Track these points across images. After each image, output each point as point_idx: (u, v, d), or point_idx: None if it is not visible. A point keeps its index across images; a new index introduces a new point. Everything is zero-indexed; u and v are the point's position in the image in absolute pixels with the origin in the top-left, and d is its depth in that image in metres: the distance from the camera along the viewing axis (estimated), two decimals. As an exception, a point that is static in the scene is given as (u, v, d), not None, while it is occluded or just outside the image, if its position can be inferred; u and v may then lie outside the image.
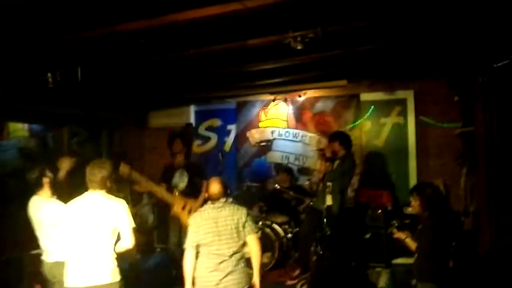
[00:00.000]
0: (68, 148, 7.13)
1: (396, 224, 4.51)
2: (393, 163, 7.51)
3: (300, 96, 7.98)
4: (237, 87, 7.56)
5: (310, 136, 8.01)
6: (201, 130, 8.67)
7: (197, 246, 4.16)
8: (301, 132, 8.07)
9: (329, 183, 6.08)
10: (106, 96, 7.32)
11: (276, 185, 7.48)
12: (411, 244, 4.34)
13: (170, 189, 6.45)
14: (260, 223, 6.96)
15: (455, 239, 4.49)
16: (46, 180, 4.56)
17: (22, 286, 5.60)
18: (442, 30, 4.82)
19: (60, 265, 4.18)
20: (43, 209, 4.48)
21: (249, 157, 8.40)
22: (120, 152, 7.79)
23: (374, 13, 4.33)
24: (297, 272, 6.41)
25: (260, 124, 8.34)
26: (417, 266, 4.29)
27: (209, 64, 5.94)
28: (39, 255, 4.62)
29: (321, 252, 6.20)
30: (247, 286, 4.16)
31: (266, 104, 8.28)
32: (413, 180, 7.37)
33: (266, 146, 8.24)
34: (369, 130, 7.71)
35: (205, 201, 4.53)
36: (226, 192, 4.38)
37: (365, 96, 7.72)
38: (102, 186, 3.96)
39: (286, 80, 7.02)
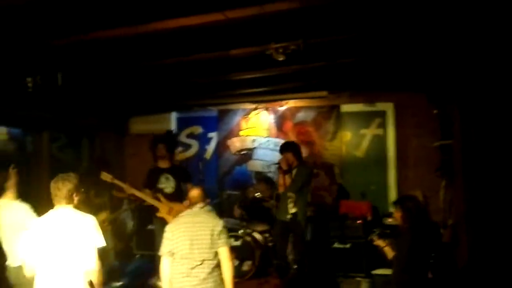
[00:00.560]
0: (48, 153, 7.04)
1: (378, 232, 4.58)
2: (373, 174, 7.59)
3: (281, 106, 8.03)
4: (219, 96, 7.58)
5: (291, 146, 8.03)
6: (182, 137, 8.63)
7: (172, 253, 4.16)
8: (282, 141, 8.08)
9: (290, 194, 6.12)
10: (86, 102, 7.26)
11: (257, 193, 7.49)
12: (389, 253, 4.40)
13: (155, 193, 6.41)
14: (241, 231, 6.97)
15: (434, 250, 4.56)
16: (9, 184, 4.54)
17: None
18: (422, 45, 4.90)
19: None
20: (7, 211, 4.46)
21: (230, 165, 8.40)
22: (101, 157, 7.73)
23: (355, 27, 4.40)
24: (277, 280, 6.41)
25: (241, 133, 8.35)
26: (395, 277, 4.35)
27: (191, 73, 5.95)
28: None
29: (296, 260, 6.31)
30: None
31: (248, 113, 8.30)
32: (392, 191, 7.48)
33: (247, 154, 8.26)
34: (349, 141, 7.79)
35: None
36: (204, 199, 4.41)
37: (345, 108, 7.80)
38: (69, 200, 3.67)
39: (267, 90, 7.07)
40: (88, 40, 4.30)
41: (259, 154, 8.21)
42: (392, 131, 7.56)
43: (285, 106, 8.03)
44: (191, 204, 4.36)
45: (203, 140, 8.58)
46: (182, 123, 8.71)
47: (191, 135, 8.66)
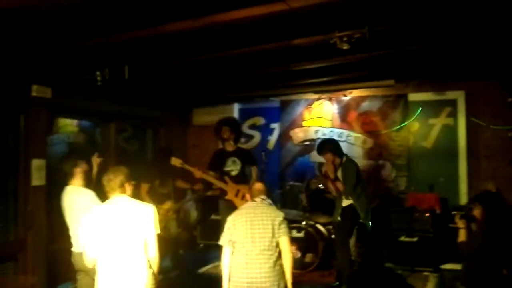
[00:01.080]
0: (114, 144, 7.28)
1: (463, 213, 4.40)
2: (442, 165, 7.32)
3: (345, 96, 7.87)
4: (282, 86, 7.52)
5: (355, 136, 7.88)
6: (245, 128, 8.64)
7: (233, 242, 4.17)
8: (346, 132, 7.95)
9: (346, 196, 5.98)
10: (151, 94, 7.44)
11: (320, 184, 7.38)
12: (462, 237, 4.24)
13: (221, 175, 6.47)
14: (304, 222, 6.91)
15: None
16: (78, 170, 4.65)
17: (71, 276, 5.76)
18: (495, 28, 4.61)
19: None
20: (73, 196, 4.58)
21: (292, 156, 8.34)
22: (165, 148, 7.89)
23: (422, 13, 4.19)
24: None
25: (304, 123, 8.27)
26: (463, 265, 4.26)
27: (254, 63, 5.93)
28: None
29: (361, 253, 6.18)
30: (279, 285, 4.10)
31: (311, 103, 8.20)
32: (463, 184, 7.21)
33: (309, 145, 8.16)
34: (417, 131, 7.55)
35: None
36: (265, 193, 4.40)
37: (413, 96, 7.55)
38: (121, 190, 3.77)
39: (331, 80, 6.94)
40: (153, 34, 4.35)
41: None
42: (463, 121, 7.27)
43: (349, 95, 7.86)
44: (253, 197, 4.37)
45: (266, 131, 8.58)
46: (245, 114, 8.74)
47: (253, 126, 8.69)
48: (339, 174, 6.03)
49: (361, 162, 7.66)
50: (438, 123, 7.41)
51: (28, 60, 5.10)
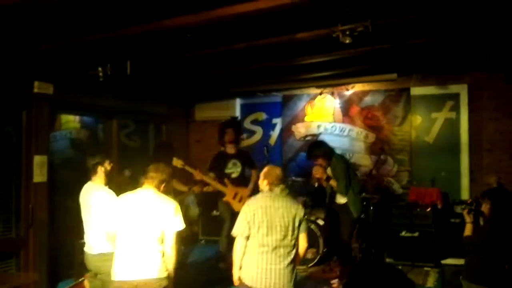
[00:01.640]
0: (117, 140, 7.27)
1: (471, 207, 4.34)
2: (444, 160, 7.30)
3: (347, 90, 7.84)
4: (284, 81, 7.50)
5: (357, 131, 7.87)
6: (247, 124, 8.67)
7: (247, 235, 3.97)
8: (348, 127, 7.93)
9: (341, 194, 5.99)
10: (154, 90, 7.43)
11: (316, 184, 7.36)
12: (468, 231, 4.25)
13: (221, 177, 6.54)
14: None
15: None
16: (101, 169, 4.61)
17: (73, 273, 5.78)
18: (498, 20, 4.58)
19: (103, 256, 4.23)
20: (94, 194, 4.52)
21: (294, 152, 8.33)
22: (166, 143, 7.87)
23: (424, 6, 4.17)
24: (340, 268, 6.32)
25: (306, 118, 8.25)
26: (466, 258, 4.25)
27: (256, 58, 5.91)
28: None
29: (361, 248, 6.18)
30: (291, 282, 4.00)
31: (313, 98, 8.18)
32: (465, 178, 7.19)
33: (311, 140, 8.13)
34: (419, 125, 7.53)
35: (254, 191, 4.44)
36: (283, 181, 4.16)
37: (416, 90, 7.51)
38: (157, 187, 3.96)
39: (333, 74, 6.92)
40: (155, 29, 4.33)
41: (324, 140, 8.05)
42: (466, 115, 7.23)
43: (351, 90, 7.84)
44: (271, 185, 4.09)
45: (267, 126, 8.57)
46: (246, 110, 8.74)
47: (255, 121, 8.67)
48: (330, 172, 6.05)
49: (363, 157, 7.66)
50: (441, 117, 7.38)
51: (30, 57, 5.08)
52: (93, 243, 4.44)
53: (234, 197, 6.48)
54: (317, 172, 6.04)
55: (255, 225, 3.94)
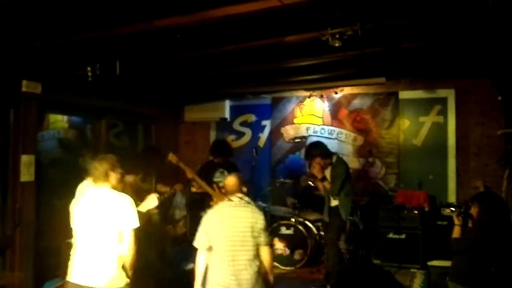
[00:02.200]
0: (105, 140, 7.24)
1: (461, 210, 4.40)
2: (431, 163, 7.36)
3: (336, 93, 7.89)
4: (273, 83, 7.52)
5: (346, 134, 7.92)
6: (236, 125, 8.69)
7: (209, 247, 3.95)
8: (336, 130, 7.98)
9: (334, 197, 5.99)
10: (143, 90, 7.41)
11: (310, 182, 7.40)
12: (456, 233, 4.30)
13: (210, 184, 6.55)
14: (293, 219, 6.93)
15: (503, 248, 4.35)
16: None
17: (59, 273, 5.74)
18: (485, 26, 4.63)
19: None
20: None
21: (283, 153, 8.36)
22: (153, 146, 7.84)
23: (414, 10, 4.21)
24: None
25: (295, 121, 8.29)
26: (453, 260, 4.30)
27: (245, 60, 5.92)
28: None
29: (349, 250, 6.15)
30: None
31: (302, 100, 8.22)
32: (452, 181, 7.25)
33: (300, 142, 8.18)
34: (407, 129, 7.59)
35: None
36: (241, 188, 4.11)
37: (404, 94, 7.57)
38: (105, 179, 3.73)
39: (322, 77, 6.94)
40: (144, 29, 4.33)
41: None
42: (453, 119, 7.30)
43: (340, 93, 7.89)
44: (228, 193, 4.06)
45: (256, 128, 8.59)
46: (236, 111, 8.74)
47: (244, 123, 8.69)
48: (328, 173, 6.05)
49: (352, 159, 7.70)
50: (428, 121, 7.44)
51: (18, 55, 5.04)
52: None
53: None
54: (314, 169, 6.05)
55: (213, 236, 3.91)
